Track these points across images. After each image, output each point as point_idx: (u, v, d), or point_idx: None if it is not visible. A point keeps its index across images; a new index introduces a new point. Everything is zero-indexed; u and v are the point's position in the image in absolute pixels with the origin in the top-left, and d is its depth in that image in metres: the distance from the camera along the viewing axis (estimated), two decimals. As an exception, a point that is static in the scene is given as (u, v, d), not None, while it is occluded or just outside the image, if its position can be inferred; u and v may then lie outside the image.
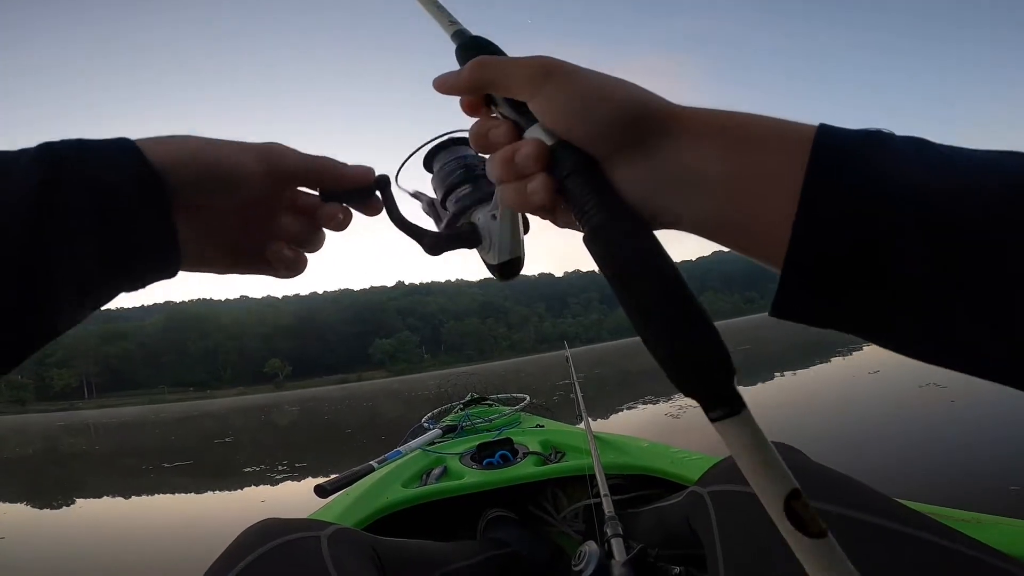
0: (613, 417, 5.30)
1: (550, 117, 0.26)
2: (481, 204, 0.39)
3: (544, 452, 1.11)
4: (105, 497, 4.91)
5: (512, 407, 1.71)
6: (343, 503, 0.94)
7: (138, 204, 0.27)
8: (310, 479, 4.65)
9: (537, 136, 0.27)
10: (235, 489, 4.75)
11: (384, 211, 0.38)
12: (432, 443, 1.30)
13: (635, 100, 0.25)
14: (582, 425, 1.31)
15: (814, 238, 0.22)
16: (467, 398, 1.91)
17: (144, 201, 0.28)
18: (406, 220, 0.38)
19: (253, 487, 4.57)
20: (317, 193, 0.37)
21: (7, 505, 4.70)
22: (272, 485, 4.52)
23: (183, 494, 4.88)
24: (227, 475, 5.50)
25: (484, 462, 1.07)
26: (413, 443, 1.27)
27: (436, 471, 1.10)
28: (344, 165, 0.36)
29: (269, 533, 0.55)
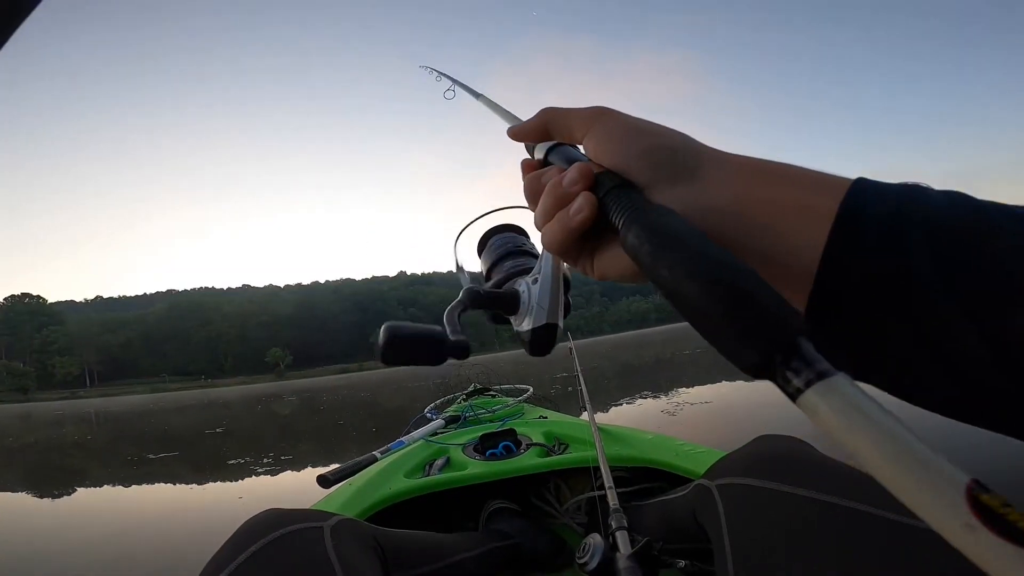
0: (613, 410, 5.30)
1: (596, 149, 0.29)
2: (524, 274, 0.39)
3: (547, 443, 1.10)
4: (79, 489, 4.85)
5: (515, 398, 1.70)
6: (346, 493, 0.94)
7: None
8: (290, 472, 4.63)
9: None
10: (215, 482, 4.68)
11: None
12: (435, 433, 1.30)
13: (674, 137, 0.28)
14: (585, 416, 1.30)
15: (841, 266, 0.22)
16: (470, 388, 1.90)
17: None
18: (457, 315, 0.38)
19: (233, 482, 4.51)
20: None
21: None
22: (255, 478, 4.48)
23: (161, 486, 4.78)
24: (210, 468, 5.43)
25: (487, 453, 1.06)
26: (416, 433, 1.27)
27: (439, 462, 1.09)
28: None
29: (272, 524, 0.54)
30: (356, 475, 1.03)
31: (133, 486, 4.82)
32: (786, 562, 0.46)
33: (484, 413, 1.50)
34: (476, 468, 0.99)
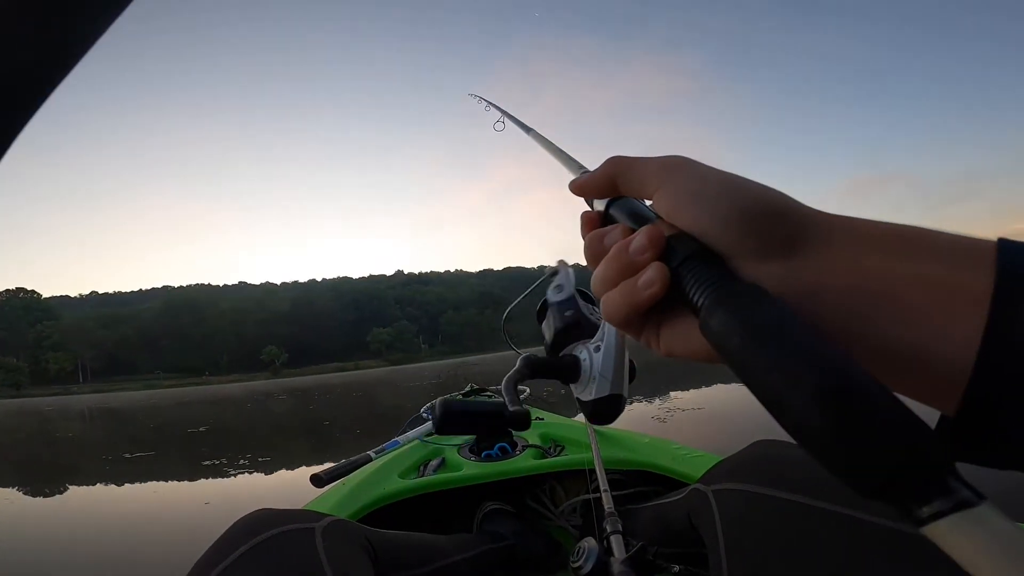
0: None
1: (670, 208, 0.25)
2: (586, 338, 0.38)
3: (543, 445, 1.10)
4: (44, 488, 4.77)
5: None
6: (339, 493, 0.93)
7: None
8: (261, 475, 4.57)
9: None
10: (187, 483, 4.58)
11: None
12: (430, 434, 1.29)
13: (769, 197, 0.23)
14: (581, 418, 1.30)
15: (1006, 358, 0.18)
16: (466, 389, 1.89)
17: None
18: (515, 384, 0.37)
19: (205, 482, 4.43)
20: None
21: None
22: (227, 479, 4.41)
23: (128, 488, 4.65)
24: (183, 469, 5.34)
25: (482, 454, 1.06)
26: (411, 433, 1.26)
27: (434, 462, 1.09)
28: None
29: (262, 524, 0.54)
30: (350, 475, 1.03)
31: (98, 485, 4.73)
32: (781, 568, 0.45)
33: None
34: (471, 469, 0.98)
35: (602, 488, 0.77)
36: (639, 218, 0.26)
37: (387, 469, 1.03)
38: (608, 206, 0.29)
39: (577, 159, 0.40)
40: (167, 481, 4.79)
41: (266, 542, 0.52)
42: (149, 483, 4.72)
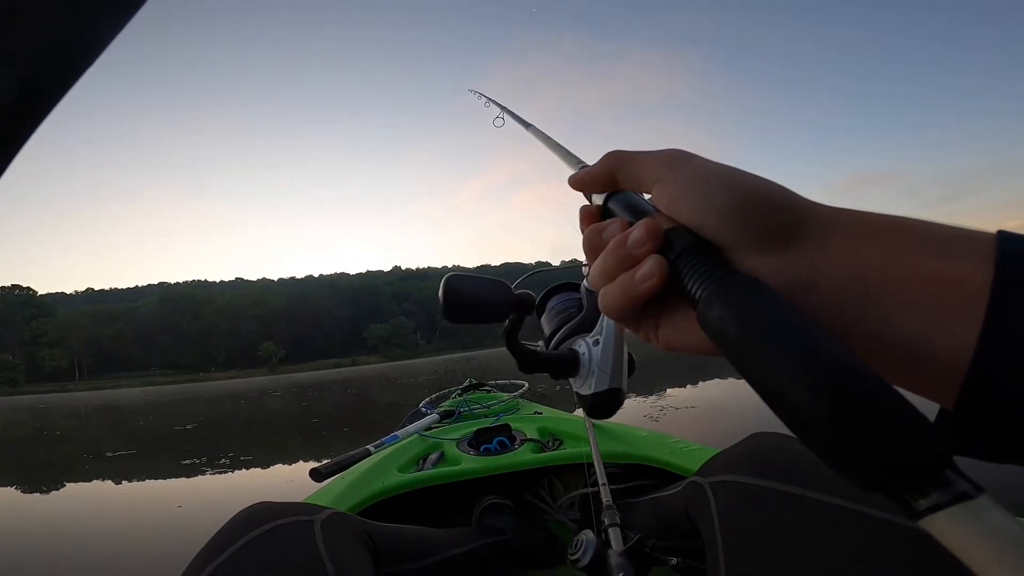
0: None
1: (669, 201, 0.25)
2: (584, 332, 0.37)
3: (542, 439, 1.10)
4: (14, 487, 4.70)
5: (511, 393, 1.70)
6: (338, 487, 0.94)
7: None
8: (242, 472, 4.49)
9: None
10: (161, 481, 4.51)
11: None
12: (429, 428, 1.30)
13: (767, 188, 0.23)
14: (580, 413, 1.30)
15: (1005, 352, 0.17)
16: (465, 383, 1.90)
17: None
18: (517, 339, 0.37)
19: (187, 479, 4.35)
20: None
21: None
22: (204, 477, 4.32)
23: (102, 487, 4.55)
24: (160, 468, 5.25)
25: (481, 448, 1.06)
26: (410, 428, 1.26)
27: (433, 456, 1.09)
28: None
29: (262, 517, 0.54)
30: (349, 469, 1.03)
31: (68, 486, 4.62)
32: (778, 560, 0.46)
33: (479, 408, 1.50)
34: (470, 463, 0.99)
35: (600, 482, 0.77)
36: (637, 211, 0.26)
37: (386, 463, 1.04)
38: (607, 200, 0.29)
39: (576, 154, 0.39)
40: (142, 481, 4.72)
41: (265, 534, 0.52)
42: (122, 484, 4.60)
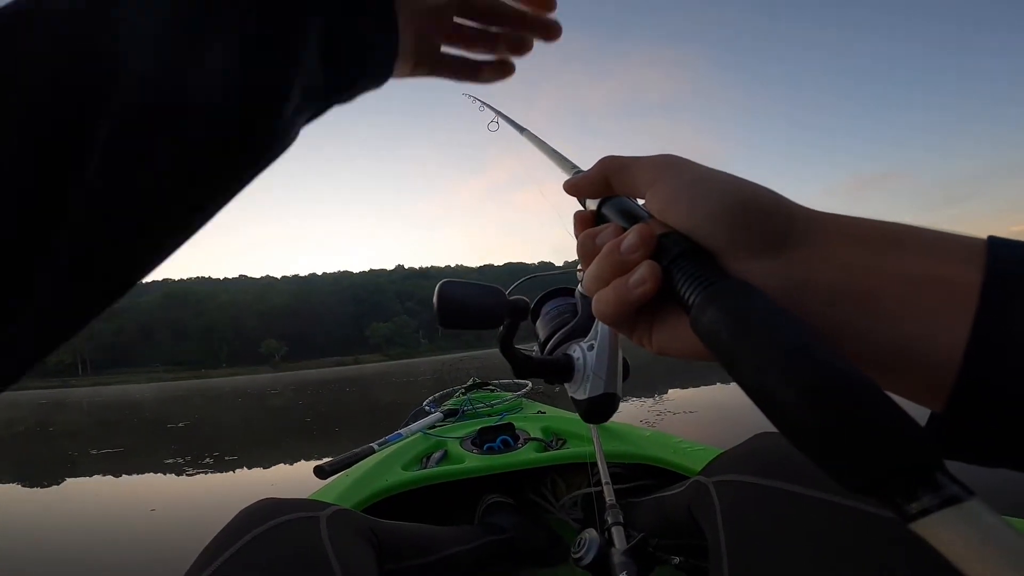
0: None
1: (662, 206, 0.25)
2: (579, 337, 0.38)
3: (545, 438, 1.11)
4: None
5: (514, 392, 1.71)
6: (342, 484, 0.94)
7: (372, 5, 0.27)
8: (221, 474, 4.43)
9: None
10: (141, 480, 4.41)
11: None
12: (433, 426, 1.30)
13: (758, 194, 0.23)
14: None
15: (995, 353, 0.18)
16: (469, 382, 1.90)
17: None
18: (511, 345, 0.37)
19: (166, 476, 4.26)
20: None
21: None
22: (186, 478, 4.23)
23: (79, 486, 4.43)
24: (142, 467, 5.11)
25: (485, 447, 1.06)
26: (414, 426, 1.27)
27: (436, 455, 1.09)
28: None
29: (267, 513, 0.54)
30: (353, 466, 1.04)
31: (52, 487, 4.49)
32: (782, 558, 0.46)
33: (483, 407, 1.50)
34: (473, 462, 0.99)
35: (603, 481, 0.77)
36: (631, 217, 0.27)
37: (390, 461, 1.04)
38: (601, 205, 0.29)
39: (571, 159, 0.39)
40: (118, 476, 4.65)
41: (271, 530, 0.52)
42: (100, 484, 4.49)
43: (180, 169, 0.21)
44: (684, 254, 0.23)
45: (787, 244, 0.22)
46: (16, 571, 2.52)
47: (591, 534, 0.68)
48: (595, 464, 0.82)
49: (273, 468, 4.75)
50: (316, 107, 0.27)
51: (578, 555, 0.67)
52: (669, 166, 0.26)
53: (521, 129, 0.59)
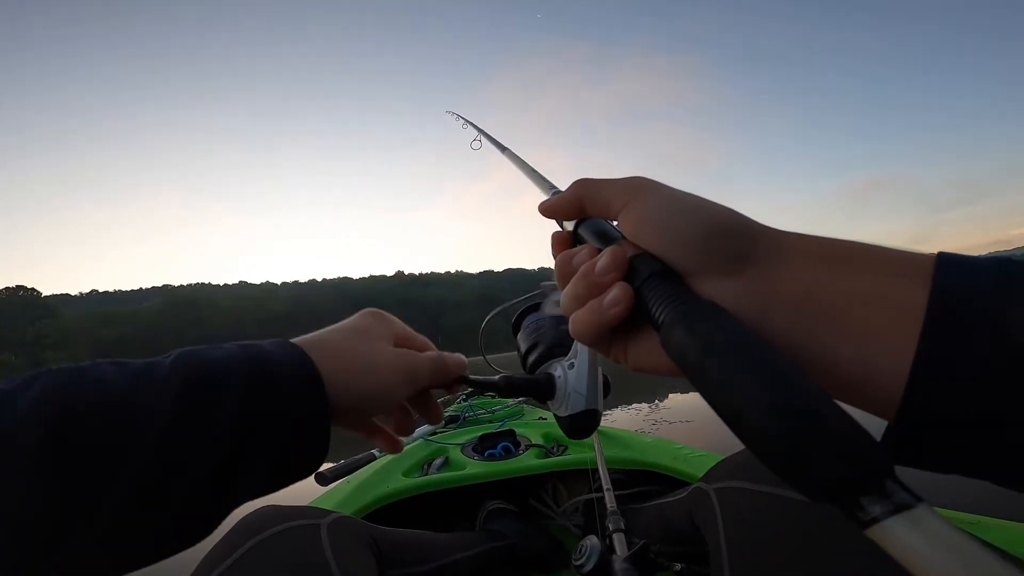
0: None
1: (633, 228, 0.26)
2: (559, 356, 0.39)
3: (546, 445, 1.11)
4: None
5: (515, 399, 1.70)
6: (343, 491, 0.94)
7: (312, 431, 0.33)
8: None
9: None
10: None
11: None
12: (434, 433, 1.30)
13: (724, 216, 0.24)
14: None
15: (939, 369, 0.18)
16: (470, 389, 1.90)
17: (315, 427, 0.33)
18: (476, 380, 0.41)
19: None
20: None
21: None
22: None
23: None
24: None
25: (486, 453, 1.06)
26: (415, 432, 1.27)
27: (437, 461, 1.09)
28: (450, 361, 0.41)
29: (268, 520, 0.54)
30: (354, 473, 1.03)
31: None
32: (783, 565, 0.46)
33: (484, 413, 1.50)
34: (474, 468, 0.99)
35: (604, 487, 0.77)
36: (605, 238, 0.28)
37: (391, 468, 1.04)
38: (577, 226, 0.30)
39: (549, 179, 0.40)
40: None
41: (272, 538, 0.52)
42: None
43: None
44: (655, 275, 0.24)
45: (751, 264, 0.23)
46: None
47: (592, 541, 0.68)
48: (596, 470, 0.82)
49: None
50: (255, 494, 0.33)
51: (579, 562, 0.67)
52: (640, 189, 0.26)
53: (503, 148, 0.60)
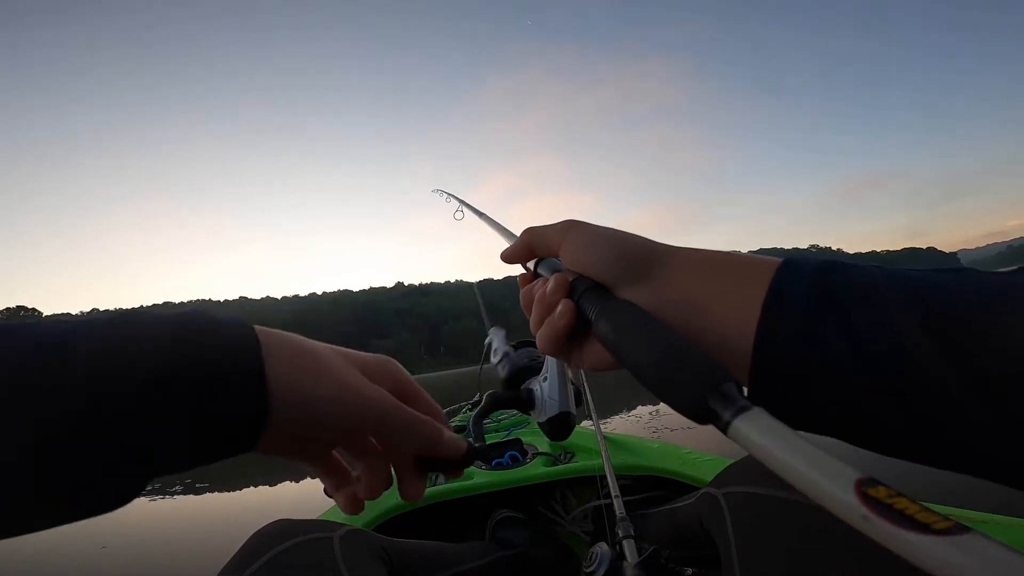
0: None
1: (570, 258, 0.34)
2: (535, 376, 0.45)
3: (553, 452, 1.11)
4: None
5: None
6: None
7: (238, 421, 0.27)
8: (197, 499, 4.17)
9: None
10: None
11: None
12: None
13: (635, 243, 0.32)
14: (589, 425, 1.30)
15: (770, 354, 0.26)
16: (475, 398, 1.91)
17: (245, 422, 0.27)
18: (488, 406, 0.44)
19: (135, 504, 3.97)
20: None
21: None
22: (153, 504, 3.97)
23: None
24: None
25: (493, 462, 1.06)
26: None
27: (445, 471, 1.09)
28: (443, 435, 0.34)
29: (283, 534, 0.55)
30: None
31: None
32: (793, 569, 0.46)
33: (490, 423, 1.50)
34: (482, 478, 0.99)
35: (613, 494, 0.77)
36: (554, 270, 0.35)
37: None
38: (536, 265, 0.38)
39: (513, 231, 0.48)
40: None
41: (286, 551, 0.53)
42: None
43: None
44: (588, 290, 0.32)
45: (652, 276, 0.31)
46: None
47: (602, 548, 0.68)
48: (604, 477, 0.82)
49: (246, 490, 4.55)
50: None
51: (590, 569, 0.67)
52: (570, 228, 0.35)
53: (480, 214, 0.72)
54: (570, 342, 0.33)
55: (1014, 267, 0.24)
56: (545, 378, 0.46)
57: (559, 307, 0.32)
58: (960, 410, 0.22)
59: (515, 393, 0.46)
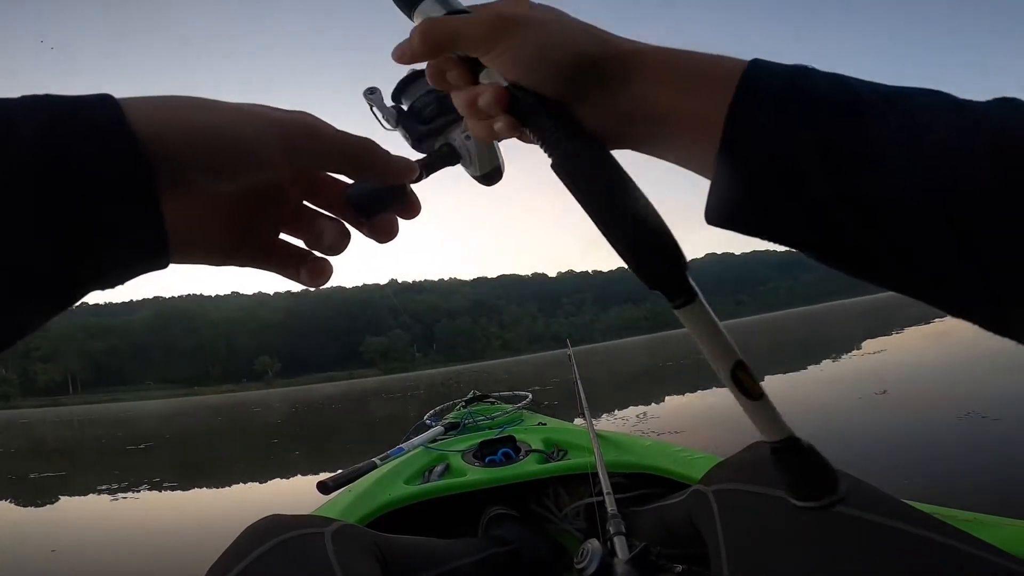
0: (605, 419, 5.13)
1: (508, 72, 0.28)
2: (454, 125, 0.41)
3: (546, 450, 1.11)
4: None
5: (514, 405, 1.71)
6: (346, 499, 0.94)
7: (117, 183, 0.21)
8: (160, 498, 4.13)
9: (495, 80, 0.29)
10: (61, 509, 4.04)
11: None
12: (434, 440, 1.31)
13: (590, 47, 0.27)
14: (582, 422, 1.31)
15: (735, 155, 0.25)
16: (469, 395, 1.91)
17: (124, 180, 0.21)
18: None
19: (92, 504, 3.90)
20: (347, 180, 0.32)
21: None
22: (115, 504, 3.91)
23: None
24: (77, 490, 4.77)
25: (486, 460, 1.07)
26: (415, 440, 1.27)
27: (438, 468, 1.10)
28: (387, 153, 0.29)
29: (273, 529, 0.55)
30: (355, 482, 1.04)
31: None
32: (781, 566, 0.47)
33: (483, 420, 1.51)
34: (475, 475, 1.00)
35: (605, 491, 0.78)
36: (476, 62, 0.29)
37: (392, 475, 1.04)
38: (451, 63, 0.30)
39: None
40: (40, 505, 4.24)
41: (278, 547, 0.53)
42: (12, 513, 4.08)
43: None
44: (536, 107, 0.27)
45: (607, 87, 0.27)
46: None
47: (594, 544, 0.69)
48: (597, 474, 0.83)
49: (221, 489, 4.53)
50: (59, 298, 0.23)
51: (581, 565, 0.67)
52: (505, 28, 0.27)
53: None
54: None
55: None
56: (467, 135, 0.40)
57: (499, 123, 0.28)
58: (928, 231, 0.21)
59: (440, 153, 0.42)
